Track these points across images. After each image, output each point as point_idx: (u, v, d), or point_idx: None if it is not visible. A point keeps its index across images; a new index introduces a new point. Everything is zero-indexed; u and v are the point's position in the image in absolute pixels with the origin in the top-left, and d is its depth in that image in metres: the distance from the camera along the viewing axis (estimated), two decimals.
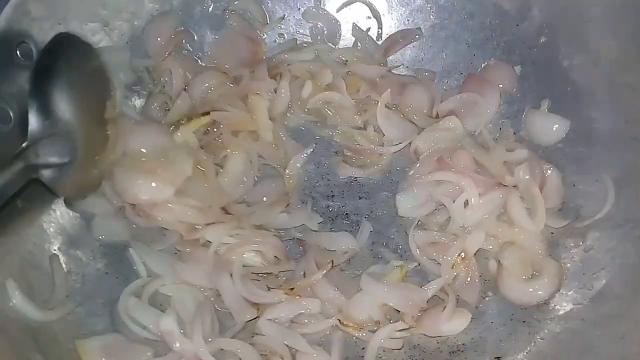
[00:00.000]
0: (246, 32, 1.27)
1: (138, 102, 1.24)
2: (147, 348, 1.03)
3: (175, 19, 1.25)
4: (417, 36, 1.29)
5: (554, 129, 1.19)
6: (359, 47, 1.30)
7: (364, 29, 1.30)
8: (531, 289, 1.09)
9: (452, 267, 1.10)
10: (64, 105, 1.04)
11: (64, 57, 1.07)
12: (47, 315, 1.02)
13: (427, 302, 1.07)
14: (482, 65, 1.27)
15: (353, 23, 1.30)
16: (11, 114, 1.07)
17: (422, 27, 1.29)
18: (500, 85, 1.23)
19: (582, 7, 1.15)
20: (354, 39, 1.31)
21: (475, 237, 1.11)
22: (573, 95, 1.18)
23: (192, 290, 1.09)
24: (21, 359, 0.95)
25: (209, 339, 1.03)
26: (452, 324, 1.06)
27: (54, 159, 1.02)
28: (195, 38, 1.27)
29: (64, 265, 1.09)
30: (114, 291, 1.08)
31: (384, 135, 1.22)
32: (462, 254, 1.10)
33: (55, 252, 1.09)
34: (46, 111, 1.02)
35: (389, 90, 1.22)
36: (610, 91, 1.14)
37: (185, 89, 1.22)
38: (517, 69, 1.24)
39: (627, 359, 0.95)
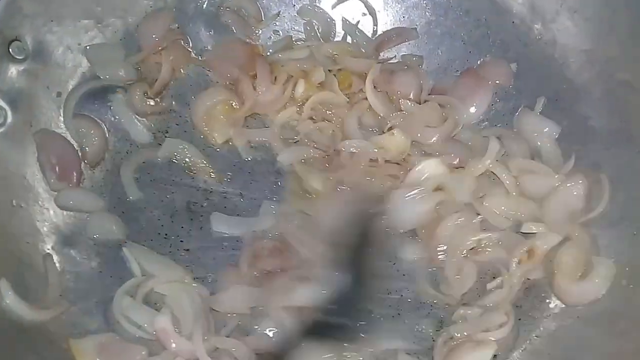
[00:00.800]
0: (242, 35, 1.26)
1: None
2: (142, 347, 1.03)
3: (169, 16, 1.24)
4: (412, 36, 1.28)
5: (544, 132, 1.18)
6: (349, 42, 1.29)
7: (358, 25, 1.29)
8: (584, 290, 1.06)
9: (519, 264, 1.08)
10: None
11: None
12: (41, 315, 1.01)
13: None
14: (478, 62, 1.26)
15: (342, 17, 1.29)
16: (5, 111, 1.07)
17: (417, 23, 1.29)
18: (497, 82, 1.23)
19: (579, 5, 1.15)
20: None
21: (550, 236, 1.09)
22: (569, 93, 1.18)
23: (187, 289, 1.08)
24: (15, 358, 0.95)
25: (205, 337, 1.03)
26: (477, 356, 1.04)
27: None
28: (189, 36, 1.25)
29: (57, 265, 1.08)
30: (108, 290, 1.08)
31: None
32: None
33: (49, 251, 1.09)
34: None
35: (379, 65, 1.21)
36: (606, 89, 1.14)
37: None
38: (513, 66, 1.23)
39: (622, 357, 0.96)
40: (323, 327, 1.03)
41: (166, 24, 1.23)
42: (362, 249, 1.09)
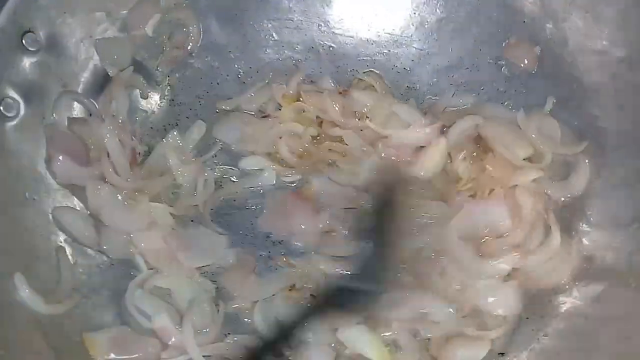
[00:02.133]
0: None
1: None
2: (155, 340, 1.03)
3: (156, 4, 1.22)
4: None
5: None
6: None
7: (371, 24, 1.29)
8: None
9: None
10: None
11: None
12: (55, 309, 1.02)
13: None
14: (488, 60, 1.26)
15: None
16: (18, 103, 1.06)
17: (428, 20, 1.28)
18: (522, 65, 1.23)
19: (591, 5, 1.15)
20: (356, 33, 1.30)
21: None
22: (579, 93, 1.18)
23: (190, 283, 1.09)
24: (31, 352, 0.96)
25: (206, 329, 1.05)
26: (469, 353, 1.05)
27: None
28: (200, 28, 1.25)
29: (70, 257, 1.08)
30: (121, 283, 1.08)
31: None
32: None
33: (61, 244, 1.09)
34: None
35: None
36: (617, 90, 1.14)
37: None
38: (537, 49, 1.23)
39: (631, 357, 0.97)
40: (347, 294, 1.03)
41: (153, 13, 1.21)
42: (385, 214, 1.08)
